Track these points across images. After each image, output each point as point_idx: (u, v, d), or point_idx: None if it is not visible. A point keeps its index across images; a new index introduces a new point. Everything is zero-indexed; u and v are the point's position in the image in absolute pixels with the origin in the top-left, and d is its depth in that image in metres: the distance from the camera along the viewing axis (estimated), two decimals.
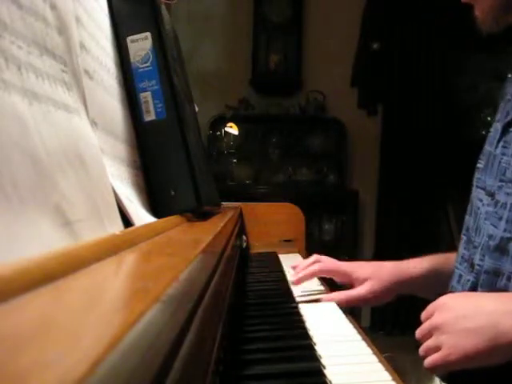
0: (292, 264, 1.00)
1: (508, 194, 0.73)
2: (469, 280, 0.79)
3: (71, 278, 0.25)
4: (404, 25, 3.28)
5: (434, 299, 0.70)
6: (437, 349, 0.64)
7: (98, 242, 0.34)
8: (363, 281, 0.86)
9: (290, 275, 0.98)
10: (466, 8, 0.75)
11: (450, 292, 0.81)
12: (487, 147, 0.81)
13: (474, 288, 0.77)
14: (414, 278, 0.88)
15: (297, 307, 0.78)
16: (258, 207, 1.46)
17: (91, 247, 0.32)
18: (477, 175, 0.83)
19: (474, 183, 0.83)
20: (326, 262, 0.92)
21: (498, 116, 0.81)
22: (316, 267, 0.90)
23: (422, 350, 0.67)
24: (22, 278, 0.21)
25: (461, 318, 0.64)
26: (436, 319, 0.65)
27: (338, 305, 0.82)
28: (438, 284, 0.88)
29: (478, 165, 0.83)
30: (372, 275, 0.86)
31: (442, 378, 0.83)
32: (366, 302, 0.87)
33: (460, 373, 0.72)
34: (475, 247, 0.79)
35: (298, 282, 0.88)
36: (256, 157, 3.48)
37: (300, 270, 0.90)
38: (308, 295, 0.87)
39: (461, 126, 3.40)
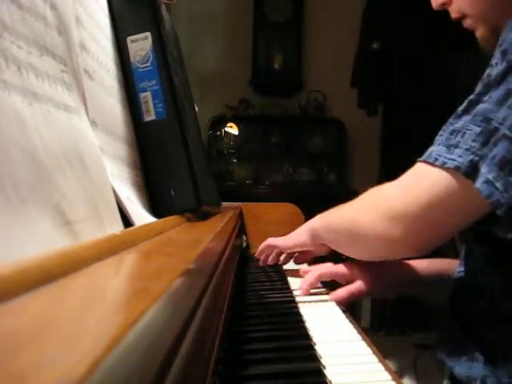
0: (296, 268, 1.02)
1: None
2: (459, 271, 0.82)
3: (71, 277, 0.25)
4: (404, 25, 3.28)
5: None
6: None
7: (98, 242, 0.34)
8: (362, 274, 0.86)
9: (292, 277, 0.99)
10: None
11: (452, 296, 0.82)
12: None
13: (461, 278, 0.80)
14: (413, 276, 0.88)
15: (297, 307, 0.78)
16: (258, 207, 1.46)
17: (91, 247, 0.32)
18: None
19: None
20: (325, 266, 0.92)
21: None
22: (316, 273, 0.90)
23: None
24: (21, 278, 0.21)
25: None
26: None
27: (339, 303, 0.82)
28: (439, 287, 0.88)
29: None
30: (371, 269, 0.86)
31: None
32: (366, 293, 0.88)
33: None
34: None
35: (307, 291, 0.88)
36: (256, 157, 3.48)
37: (304, 282, 0.90)
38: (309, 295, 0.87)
39: None
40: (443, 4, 0.79)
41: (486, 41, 0.76)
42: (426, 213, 0.67)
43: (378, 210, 0.72)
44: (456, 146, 0.65)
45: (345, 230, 0.81)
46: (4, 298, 0.19)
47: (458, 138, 0.65)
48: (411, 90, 3.31)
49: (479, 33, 0.77)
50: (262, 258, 1.08)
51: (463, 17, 0.77)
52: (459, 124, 0.66)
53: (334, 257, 0.94)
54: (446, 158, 0.65)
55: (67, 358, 0.15)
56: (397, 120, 3.31)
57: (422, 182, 0.68)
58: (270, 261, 1.05)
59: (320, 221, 0.90)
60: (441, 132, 0.69)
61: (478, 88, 0.65)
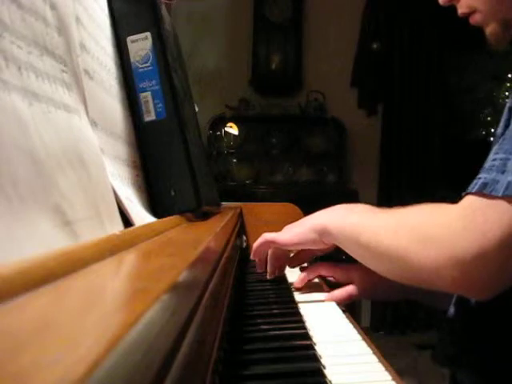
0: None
1: None
2: None
3: (71, 277, 0.25)
4: (404, 25, 3.29)
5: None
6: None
7: (98, 242, 0.34)
8: (361, 280, 0.85)
9: (291, 276, 0.98)
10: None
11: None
12: None
13: None
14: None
15: (297, 307, 0.78)
16: (258, 207, 1.45)
17: (91, 247, 0.32)
18: None
19: None
20: (324, 264, 0.92)
21: None
22: (314, 268, 0.90)
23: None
24: (22, 278, 0.21)
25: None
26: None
27: (339, 304, 0.81)
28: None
29: None
30: (371, 273, 0.86)
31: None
32: (363, 297, 0.87)
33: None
34: None
35: (302, 282, 0.88)
36: (256, 157, 3.48)
37: (302, 277, 0.90)
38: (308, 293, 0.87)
39: (460, 126, 3.40)
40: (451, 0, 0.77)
41: (496, 36, 0.74)
42: (505, 257, 0.58)
43: (441, 249, 0.60)
44: None
45: (386, 256, 0.68)
46: (4, 297, 0.19)
47: None
48: (411, 90, 3.31)
49: (489, 29, 0.75)
50: (258, 260, 0.95)
51: (472, 12, 0.76)
52: None
53: (335, 256, 0.94)
54: None
55: (67, 358, 0.15)
56: (397, 120, 3.31)
57: (495, 217, 0.57)
58: (270, 273, 0.92)
59: (337, 224, 0.78)
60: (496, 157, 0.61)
61: None
